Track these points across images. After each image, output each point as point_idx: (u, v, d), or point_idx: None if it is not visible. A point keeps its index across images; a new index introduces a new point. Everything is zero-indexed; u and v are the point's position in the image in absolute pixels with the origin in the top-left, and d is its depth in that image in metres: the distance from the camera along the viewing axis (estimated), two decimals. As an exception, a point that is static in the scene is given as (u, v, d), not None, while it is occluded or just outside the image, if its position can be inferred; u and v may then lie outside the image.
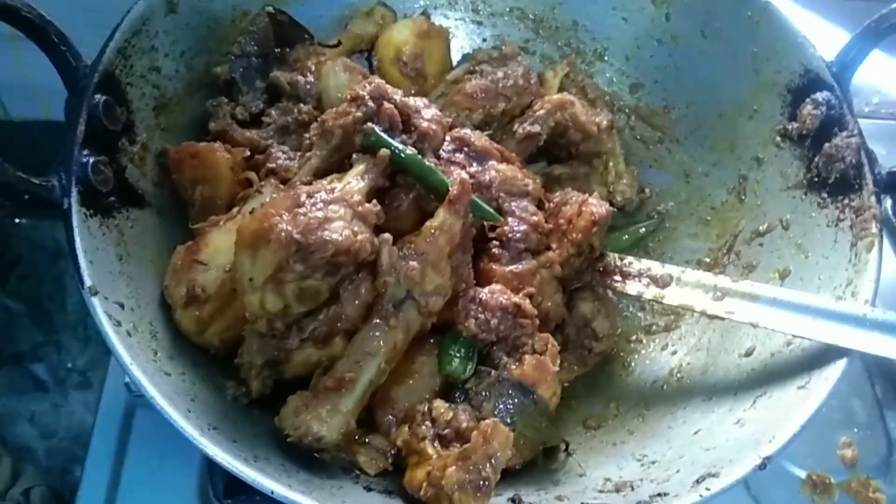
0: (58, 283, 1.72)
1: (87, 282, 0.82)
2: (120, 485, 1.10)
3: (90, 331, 1.67)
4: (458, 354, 0.91)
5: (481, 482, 0.77)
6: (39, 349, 1.66)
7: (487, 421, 0.80)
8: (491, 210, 0.98)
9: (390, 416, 0.90)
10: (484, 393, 0.89)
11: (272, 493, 0.72)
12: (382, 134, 0.93)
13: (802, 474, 1.16)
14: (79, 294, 0.83)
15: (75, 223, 0.85)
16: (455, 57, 1.30)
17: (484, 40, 1.34)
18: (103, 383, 1.18)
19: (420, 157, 0.94)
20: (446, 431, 0.84)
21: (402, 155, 0.93)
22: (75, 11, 1.25)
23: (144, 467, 1.12)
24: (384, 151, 0.92)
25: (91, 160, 0.89)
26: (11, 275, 1.72)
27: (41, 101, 1.56)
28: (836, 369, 0.84)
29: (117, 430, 1.15)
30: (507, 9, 1.32)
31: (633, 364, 1.09)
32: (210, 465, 1.06)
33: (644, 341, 1.11)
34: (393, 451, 0.89)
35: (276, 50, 1.13)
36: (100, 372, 1.67)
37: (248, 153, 1.02)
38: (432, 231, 0.89)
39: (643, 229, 1.20)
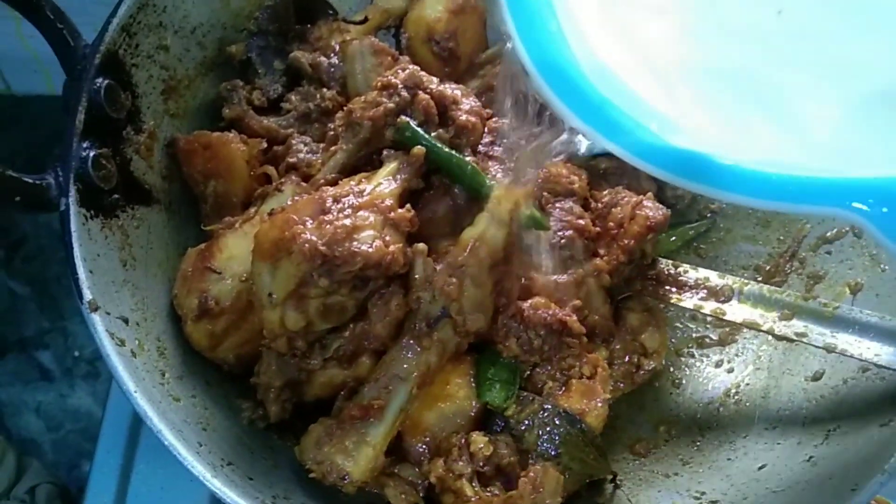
0: (65, 265, 1.64)
1: (87, 295, 0.73)
2: (129, 485, 1.03)
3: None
4: (498, 379, 0.82)
5: (527, 534, 0.69)
6: (45, 336, 1.58)
7: (537, 466, 0.71)
8: (539, 216, 0.88)
9: (422, 445, 0.81)
10: (526, 422, 0.80)
11: (293, 543, 0.64)
12: (418, 129, 0.83)
13: (860, 499, 1.07)
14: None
15: (73, 227, 0.76)
16: (491, 35, 1.18)
17: (522, 16, 1.22)
18: (112, 376, 1.10)
19: (459, 155, 0.84)
20: (486, 468, 0.76)
21: (441, 153, 0.83)
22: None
23: (155, 467, 1.04)
24: (419, 149, 0.82)
25: (92, 153, 0.80)
26: (16, 256, 1.64)
27: (45, 74, 1.46)
28: (926, 407, 0.75)
29: (127, 426, 1.07)
30: (549, -19, 1.20)
31: (684, 381, 0.99)
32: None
33: (696, 356, 1.01)
34: (425, 484, 0.80)
35: (295, 26, 1.03)
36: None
37: (266, 144, 0.93)
38: (473, 241, 0.79)
39: (694, 230, 1.09)
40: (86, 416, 1.51)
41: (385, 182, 0.80)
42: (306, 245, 0.71)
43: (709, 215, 1.10)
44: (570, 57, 0.57)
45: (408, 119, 0.84)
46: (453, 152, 0.84)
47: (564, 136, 0.77)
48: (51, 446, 1.48)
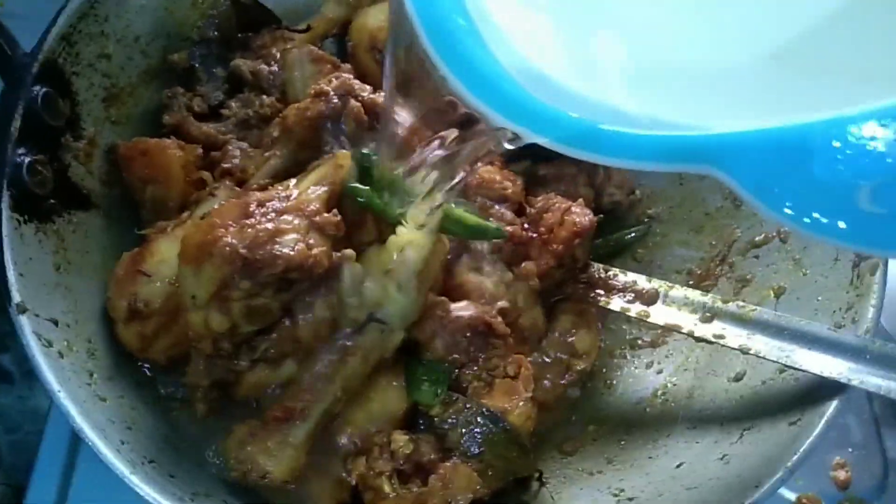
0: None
1: (16, 298, 0.75)
2: (71, 484, 1.05)
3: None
4: (427, 378, 0.84)
5: (438, 529, 0.71)
6: (5, 338, 1.59)
7: (448, 464, 0.74)
8: (483, 223, 0.89)
9: (350, 443, 0.83)
10: (450, 420, 0.82)
11: (207, 539, 0.66)
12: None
13: (792, 497, 1.10)
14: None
15: (5, 231, 0.78)
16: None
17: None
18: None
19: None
20: (406, 466, 0.78)
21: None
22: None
23: (97, 466, 1.05)
24: (343, 153, 0.84)
25: (27, 160, 0.82)
26: (-23, 259, 1.65)
27: None
28: (830, 406, 0.78)
29: (70, 428, 1.09)
30: (495, -9, 1.23)
31: (615, 382, 1.02)
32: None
33: (628, 357, 1.04)
34: (352, 481, 0.82)
35: (238, 35, 1.05)
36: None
37: (202, 150, 0.95)
38: (399, 247, 0.81)
39: (631, 235, 1.12)
40: (45, 418, 1.51)
41: (312, 187, 0.83)
42: (227, 248, 0.73)
43: (645, 220, 1.12)
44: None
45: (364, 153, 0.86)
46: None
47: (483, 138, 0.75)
48: (9, 448, 1.48)
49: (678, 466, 0.85)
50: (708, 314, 0.90)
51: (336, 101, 0.89)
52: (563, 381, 0.97)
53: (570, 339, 0.97)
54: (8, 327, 1.67)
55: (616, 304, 0.96)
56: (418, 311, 0.84)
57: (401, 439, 0.79)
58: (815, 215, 0.42)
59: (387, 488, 0.76)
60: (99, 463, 1.03)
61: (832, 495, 1.11)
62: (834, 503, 1.11)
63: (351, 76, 0.92)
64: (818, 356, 0.80)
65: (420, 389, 0.85)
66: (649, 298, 0.94)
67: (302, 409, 0.78)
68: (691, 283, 1.04)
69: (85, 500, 1.02)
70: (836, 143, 0.42)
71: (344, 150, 0.84)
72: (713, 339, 0.87)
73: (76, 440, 1.08)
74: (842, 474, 1.13)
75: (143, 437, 0.77)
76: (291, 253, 0.75)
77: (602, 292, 0.97)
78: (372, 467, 0.78)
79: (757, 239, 1.01)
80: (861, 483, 1.13)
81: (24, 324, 0.74)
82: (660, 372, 1.01)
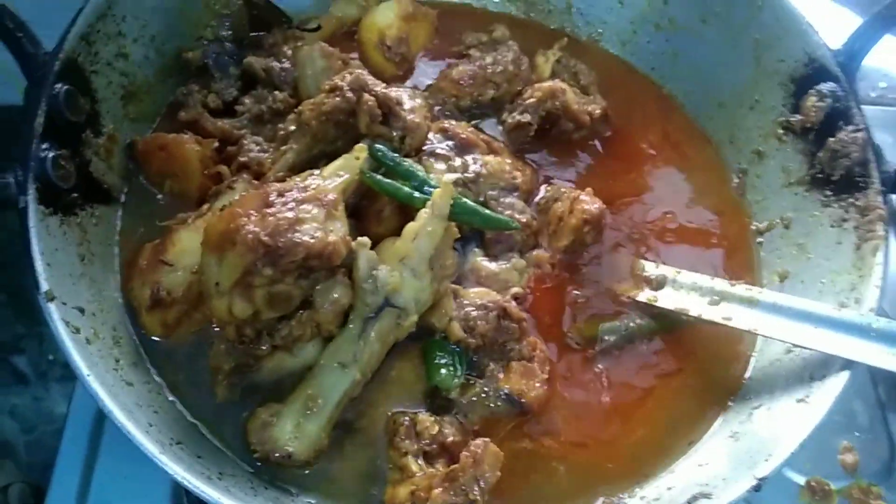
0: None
1: (44, 286, 0.77)
2: (92, 481, 1.06)
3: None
4: (444, 363, 0.86)
5: (468, 505, 0.73)
6: (21, 341, 1.60)
7: (478, 441, 0.75)
8: (495, 215, 0.93)
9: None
10: (470, 403, 0.85)
11: (236, 515, 0.68)
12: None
13: (801, 480, 1.11)
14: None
15: (32, 223, 0.80)
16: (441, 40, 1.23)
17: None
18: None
19: (409, 168, 0.89)
20: (432, 447, 0.80)
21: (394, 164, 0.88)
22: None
23: (117, 466, 1.07)
24: (360, 146, 0.87)
25: (51, 154, 0.84)
26: (-9, 263, 1.67)
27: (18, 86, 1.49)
28: (838, 382, 0.80)
29: (90, 424, 1.10)
30: (499, -11, 1.26)
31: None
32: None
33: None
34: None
35: (251, 34, 1.08)
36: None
37: (219, 144, 0.97)
38: (413, 234, 0.83)
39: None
40: (60, 418, 1.52)
41: (330, 178, 0.85)
42: (249, 236, 0.75)
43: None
44: None
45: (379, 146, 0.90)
46: (410, 167, 0.89)
47: None
48: (24, 448, 1.50)
49: (689, 444, 0.87)
50: (716, 297, 0.92)
51: (350, 95, 0.91)
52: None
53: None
54: (23, 330, 1.69)
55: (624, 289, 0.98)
56: (432, 296, 0.86)
57: (426, 420, 0.81)
58: None
59: (414, 467, 0.77)
60: (118, 461, 1.06)
61: (840, 478, 1.13)
62: (842, 486, 1.12)
63: (364, 71, 0.94)
64: (824, 334, 0.82)
65: (439, 374, 0.86)
66: (657, 284, 0.96)
67: (322, 392, 0.79)
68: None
69: (106, 496, 1.03)
70: None
71: (359, 145, 0.87)
72: (722, 322, 0.89)
73: (96, 438, 1.09)
74: (849, 458, 1.15)
75: (170, 420, 0.78)
76: (311, 241, 0.77)
77: (611, 279, 0.99)
78: (398, 447, 0.79)
79: (761, 226, 1.04)
80: (868, 466, 1.14)
81: (53, 311, 0.76)
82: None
